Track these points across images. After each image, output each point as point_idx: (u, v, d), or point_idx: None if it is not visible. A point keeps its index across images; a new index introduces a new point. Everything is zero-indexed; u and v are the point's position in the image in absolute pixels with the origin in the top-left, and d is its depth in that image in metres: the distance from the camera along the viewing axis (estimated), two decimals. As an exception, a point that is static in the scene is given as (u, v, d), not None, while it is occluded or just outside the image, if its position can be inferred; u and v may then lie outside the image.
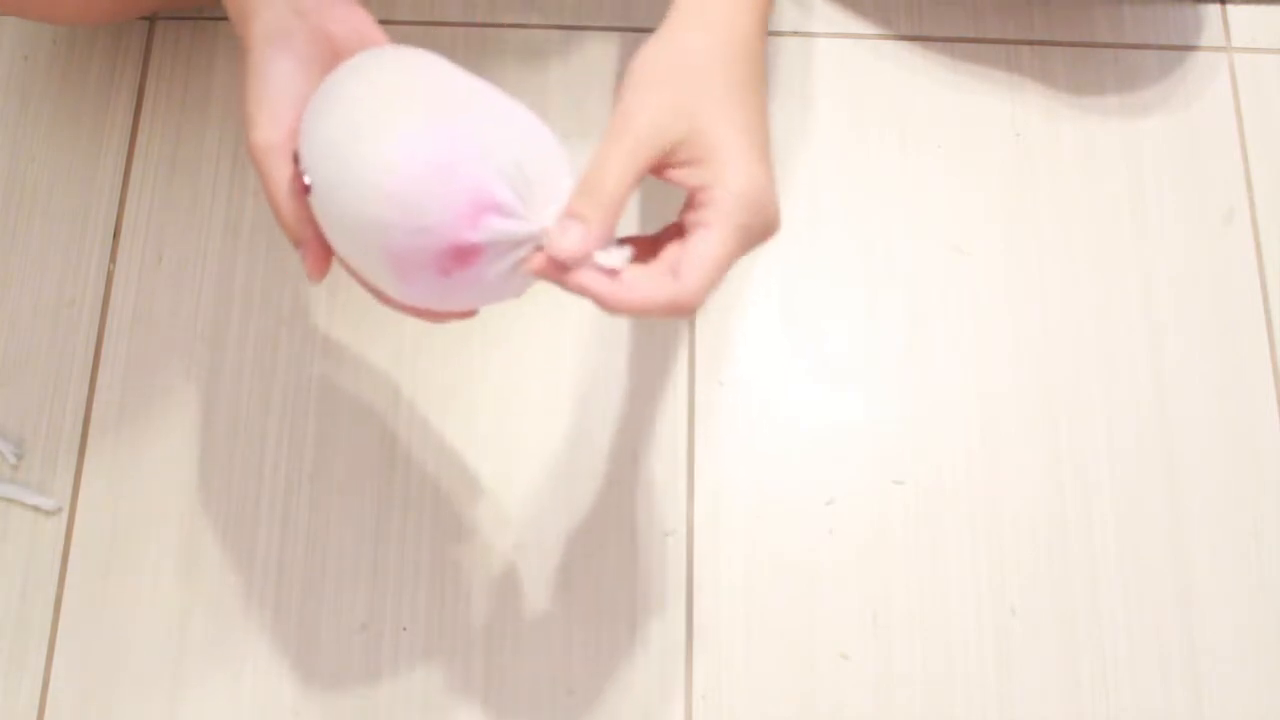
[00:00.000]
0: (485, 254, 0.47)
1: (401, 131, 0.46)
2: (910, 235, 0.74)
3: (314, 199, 0.49)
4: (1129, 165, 0.76)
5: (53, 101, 0.77)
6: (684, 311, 0.48)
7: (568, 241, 0.47)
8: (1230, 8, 0.80)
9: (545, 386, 0.71)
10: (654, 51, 0.50)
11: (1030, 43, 0.79)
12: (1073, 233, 0.75)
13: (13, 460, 0.70)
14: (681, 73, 0.49)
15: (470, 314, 0.53)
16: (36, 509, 0.69)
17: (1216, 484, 0.70)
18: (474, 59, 0.52)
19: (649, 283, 0.47)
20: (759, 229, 0.49)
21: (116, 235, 0.74)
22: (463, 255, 0.46)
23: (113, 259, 0.74)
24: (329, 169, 0.48)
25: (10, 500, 0.69)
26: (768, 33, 0.53)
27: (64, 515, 0.69)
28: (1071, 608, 0.67)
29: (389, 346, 0.72)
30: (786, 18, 0.79)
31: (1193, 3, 0.80)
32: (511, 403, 0.71)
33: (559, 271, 0.47)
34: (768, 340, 0.72)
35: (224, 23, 0.79)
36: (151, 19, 0.79)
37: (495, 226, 0.46)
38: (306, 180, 0.49)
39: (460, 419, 0.70)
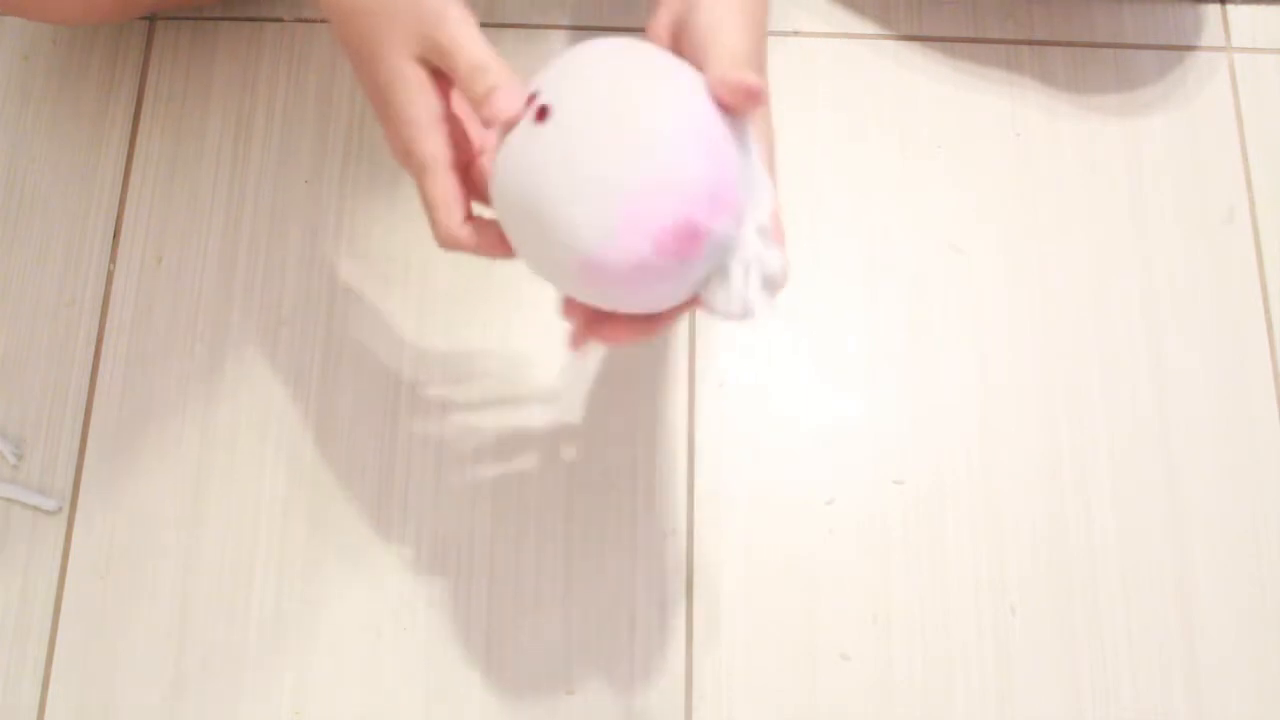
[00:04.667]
0: (704, 247, 0.45)
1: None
2: (910, 235, 0.74)
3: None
4: (1129, 165, 0.76)
5: (53, 101, 0.77)
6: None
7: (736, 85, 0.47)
8: (1230, 8, 0.80)
9: (545, 386, 0.71)
10: None
11: (1030, 43, 0.79)
12: (1073, 232, 0.75)
13: (13, 460, 0.70)
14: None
15: (651, 330, 0.51)
16: (36, 509, 0.69)
17: (1216, 484, 0.70)
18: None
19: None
20: None
21: (116, 235, 0.74)
22: (690, 236, 0.45)
23: (113, 259, 0.74)
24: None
25: (10, 500, 0.69)
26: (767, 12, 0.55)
27: (64, 515, 0.69)
28: (1071, 608, 0.67)
29: (389, 347, 0.72)
30: (786, 18, 0.79)
31: (1193, 3, 0.80)
32: (511, 403, 0.71)
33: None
34: (767, 340, 0.72)
35: (224, 23, 0.79)
36: (151, 19, 0.79)
37: (726, 223, 0.46)
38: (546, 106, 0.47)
39: (460, 419, 0.70)
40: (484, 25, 0.54)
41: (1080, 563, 0.68)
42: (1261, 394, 0.71)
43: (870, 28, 0.79)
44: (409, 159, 0.52)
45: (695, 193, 0.45)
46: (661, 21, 0.54)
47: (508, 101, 0.50)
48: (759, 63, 0.52)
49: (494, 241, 0.52)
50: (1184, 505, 0.69)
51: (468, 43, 0.51)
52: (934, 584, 0.68)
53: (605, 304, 0.48)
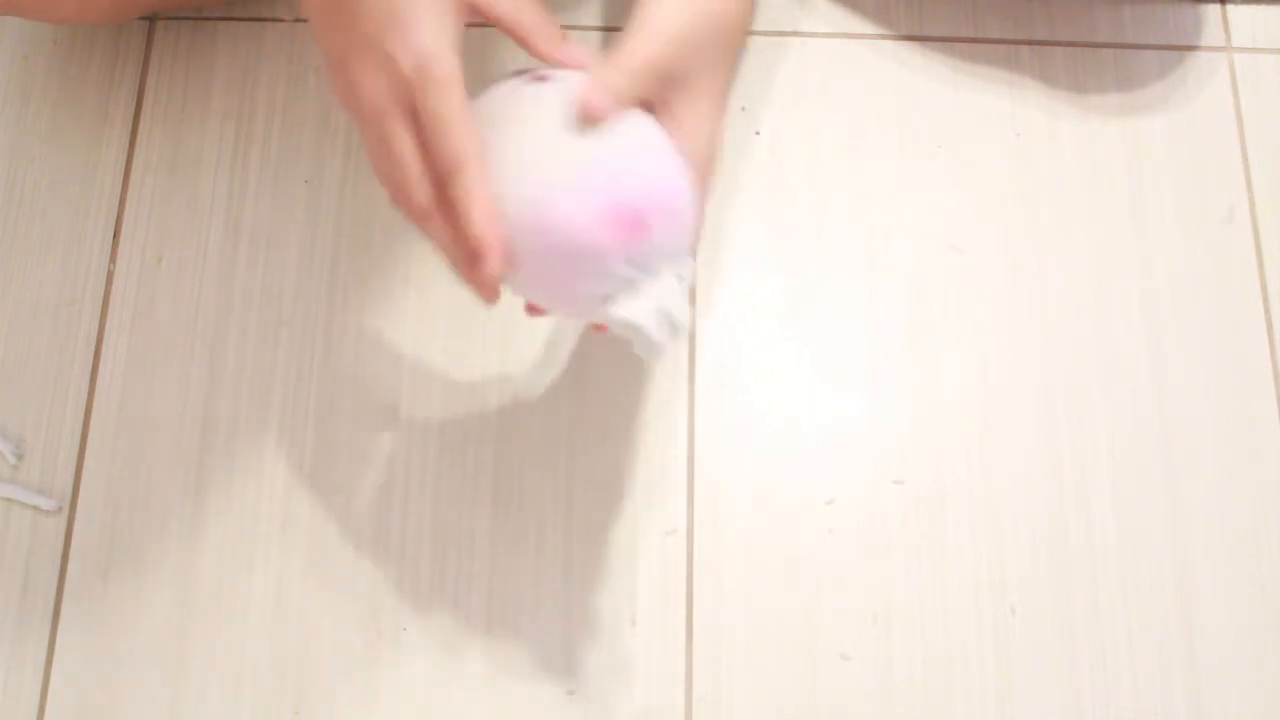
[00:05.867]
0: (641, 244, 0.50)
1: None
2: (910, 235, 0.74)
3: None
4: (1129, 165, 0.76)
5: (53, 101, 0.77)
6: (634, 69, 0.52)
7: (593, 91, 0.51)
8: (1230, 8, 0.80)
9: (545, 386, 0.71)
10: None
11: (1030, 43, 0.79)
12: (1073, 232, 0.75)
13: (13, 460, 0.70)
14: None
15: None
16: (36, 509, 0.69)
17: (1216, 484, 0.70)
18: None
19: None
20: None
21: (116, 235, 0.74)
22: (639, 222, 0.50)
23: (113, 259, 0.74)
24: None
25: (10, 500, 0.69)
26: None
27: (64, 515, 0.69)
28: (1071, 608, 0.67)
29: (389, 347, 0.72)
30: (786, 18, 0.79)
31: (1193, 3, 0.80)
32: (512, 402, 0.71)
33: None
34: (767, 340, 0.72)
35: (224, 23, 0.79)
36: (151, 19, 0.79)
37: (668, 238, 0.51)
38: None
39: (460, 418, 0.70)
40: (483, 25, 0.54)
41: (1080, 563, 0.68)
42: (1261, 394, 0.71)
43: (870, 28, 0.79)
44: (419, 76, 0.49)
45: (642, 191, 0.51)
46: None
47: (580, 52, 0.54)
48: (679, 40, 0.53)
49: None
50: (1184, 505, 0.69)
51: None
52: (934, 584, 0.68)
53: (538, 281, 0.53)
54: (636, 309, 0.51)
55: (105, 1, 0.72)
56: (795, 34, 0.79)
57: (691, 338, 0.72)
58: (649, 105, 0.54)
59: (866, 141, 0.76)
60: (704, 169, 0.55)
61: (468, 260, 0.51)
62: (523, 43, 0.55)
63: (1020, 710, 0.66)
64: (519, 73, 0.55)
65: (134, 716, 0.65)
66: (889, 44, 0.79)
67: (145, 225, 0.74)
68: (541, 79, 0.53)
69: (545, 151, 0.51)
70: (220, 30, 0.79)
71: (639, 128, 0.52)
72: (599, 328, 0.56)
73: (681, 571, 0.68)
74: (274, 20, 0.79)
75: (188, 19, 0.79)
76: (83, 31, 0.79)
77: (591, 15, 0.79)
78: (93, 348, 0.72)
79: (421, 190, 0.51)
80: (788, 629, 0.67)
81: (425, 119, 0.50)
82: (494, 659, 0.66)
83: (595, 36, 0.78)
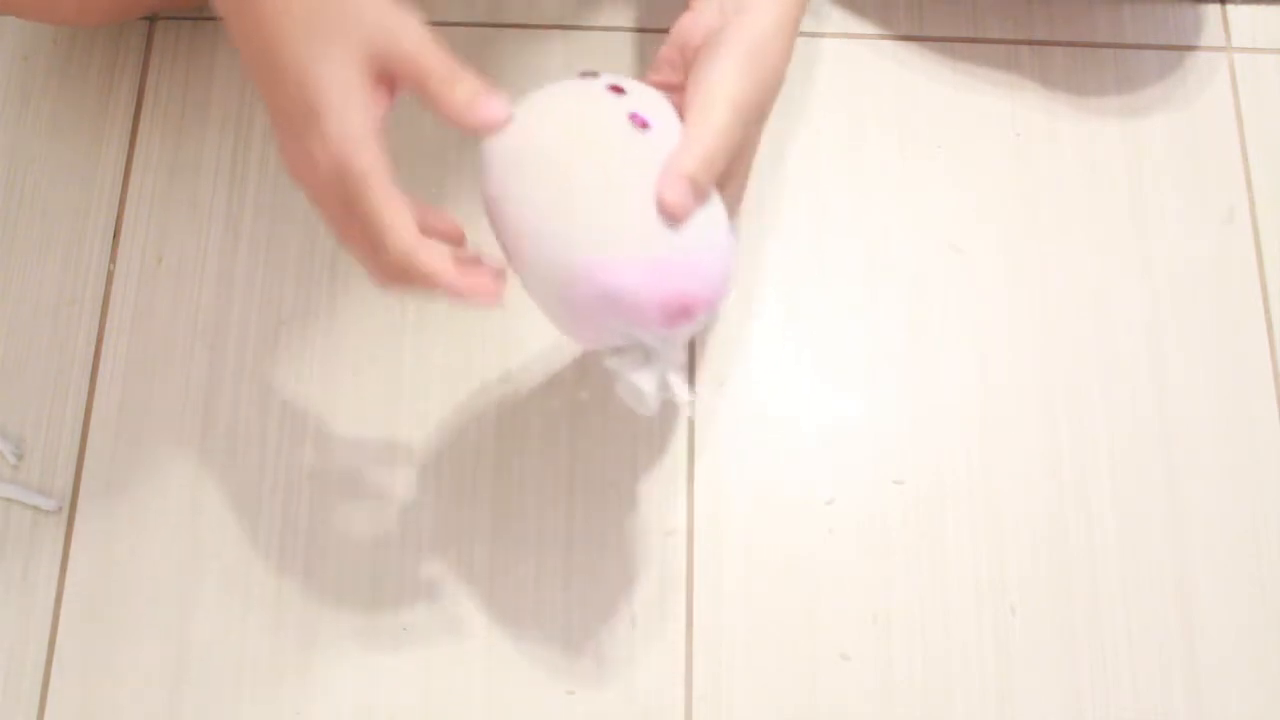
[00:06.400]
0: (693, 324, 0.51)
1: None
2: (910, 235, 0.74)
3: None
4: (1129, 165, 0.76)
5: (53, 101, 0.77)
6: (713, 158, 0.51)
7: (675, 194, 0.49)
8: (1230, 8, 0.80)
9: (545, 386, 0.71)
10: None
11: (1030, 43, 0.79)
12: (1073, 232, 0.75)
13: (13, 460, 0.70)
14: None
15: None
16: (36, 509, 0.69)
17: (1216, 484, 0.70)
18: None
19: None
20: (768, 70, 0.54)
21: (116, 235, 0.74)
22: (686, 312, 0.50)
23: (113, 259, 0.74)
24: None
25: (10, 500, 0.69)
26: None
27: (64, 515, 0.69)
28: (1071, 608, 0.67)
29: (389, 347, 0.72)
30: (786, 18, 0.79)
31: (1193, 3, 0.80)
32: (511, 402, 0.71)
33: None
34: (768, 340, 0.72)
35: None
36: (151, 19, 0.79)
37: (704, 317, 0.51)
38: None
39: (460, 418, 0.70)
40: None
41: (1080, 563, 0.68)
42: (1261, 394, 0.71)
43: (870, 28, 0.79)
44: (341, 177, 0.49)
45: (699, 279, 0.50)
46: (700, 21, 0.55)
47: (499, 107, 0.51)
48: (746, 117, 0.53)
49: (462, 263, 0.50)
50: (1184, 505, 0.69)
51: (435, 50, 0.50)
52: (934, 584, 0.68)
53: (563, 310, 0.52)
54: (643, 375, 0.52)
55: (105, 2, 0.72)
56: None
57: (691, 338, 0.72)
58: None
59: (866, 141, 0.76)
60: (735, 212, 0.55)
61: (455, 296, 0.51)
62: (434, 101, 0.51)
63: (1020, 710, 0.66)
64: (586, 74, 0.54)
65: (134, 717, 0.65)
66: (889, 44, 0.79)
67: (145, 225, 0.74)
68: (619, 91, 0.52)
69: (618, 204, 0.49)
70: (220, 30, 0.79)
71: (710, 209, 0.51)
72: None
73: (681, 571, 0.68)
74: (274, 20, 0.79)
75: (188, 19, 0.79)
76: (83, 31, 0.79)
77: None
78: (93, 348, 0.72)
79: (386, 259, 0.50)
80: (788, 629, 0.67)
81: (358, 215, 0.49)
82: (494, 659, 0.66)
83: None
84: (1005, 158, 0.76)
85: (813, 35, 0.79)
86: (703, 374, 0.71)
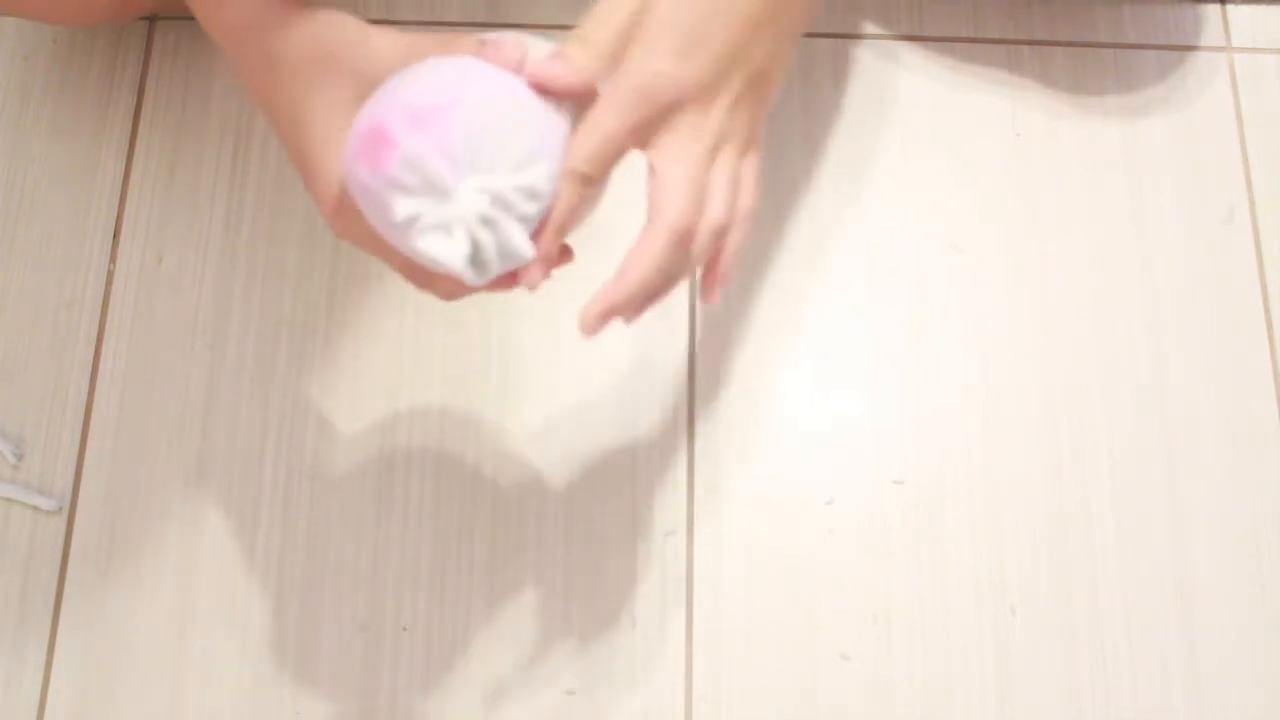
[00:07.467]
0: (393, 160, 0.47)
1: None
2: (911, 235, 0.74)
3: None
4: (1129, 165, 0.76)
5: (53, 101, 0.77)
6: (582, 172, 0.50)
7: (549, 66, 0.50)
8: (1230, 8, 0.80)
9: (545, 386, 0.71)
10: None
11: (1030, 43, 0.79)
12: (1073, 232, 0.75)
13: (13, 460, 0.70)
14: None
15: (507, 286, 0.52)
16: (36, 509, 0.69)
17: (1216, 484, 0.70)
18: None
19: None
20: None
21: (116, 235, 0.74)
22: (377, 143, 0.47)
23: (113, 259, 0.74)
24: None
25: (10, 500, 0.69)
26: None
27: (64, 515, 0.69)
28: (1071, 608, 0.67)
29: (389, 346, 0.72)
30: (786, 18, 0.79)
31: (1193, 3, 0.80)
32: (511, 402, 0.71)
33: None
34: (768, 340, 0.72)
35: (224, 23, 0.79)
36: (151, 19, 0.79)
37: (420, 144, 0.47)
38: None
39: (460, 418, 0.70)
40: (483, 25, 0.54)
41: (1080, 563, 0.68)
42: (1261, 394, 0.71)
43: (870, 28, 0.79)
44: (335, 225, 0.53)
45: (393, 106, 0.48)
46: None
47: None
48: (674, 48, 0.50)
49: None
50: (1184, 505, 0.69)
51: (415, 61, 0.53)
52: (934, 584, 0.68)
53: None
54: (430, 240, 0.47)
55: (105, 1, 0.72)
56: (795, 34, 0.79)
57: (692, 338, 0.72)
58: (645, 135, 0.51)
59: (866, 141, 0.76)
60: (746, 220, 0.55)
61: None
62: None
63: (1020, 710, 0.66)
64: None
65: (134, 716, 0.65)
66: (889, 44, 0.79)
67: (145, 225, 0.74)
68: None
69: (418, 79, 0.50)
70: (220, 30, 0.79)
71: (453, 62, 0.51)
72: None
73: (681, 571, 0.68)
74: (274, 20, 0.79)
75: (188, 19, 0.79)
76: (83, 31, 0.79)
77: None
78: (93, 348, 0.72)
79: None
80: (788, 629, 0.67)
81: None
82: (494, 659, 0.66)
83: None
84: (1005, 158, 0.76)
85: (813, 35, 0.79)
86: (703, 373, 0.71)
